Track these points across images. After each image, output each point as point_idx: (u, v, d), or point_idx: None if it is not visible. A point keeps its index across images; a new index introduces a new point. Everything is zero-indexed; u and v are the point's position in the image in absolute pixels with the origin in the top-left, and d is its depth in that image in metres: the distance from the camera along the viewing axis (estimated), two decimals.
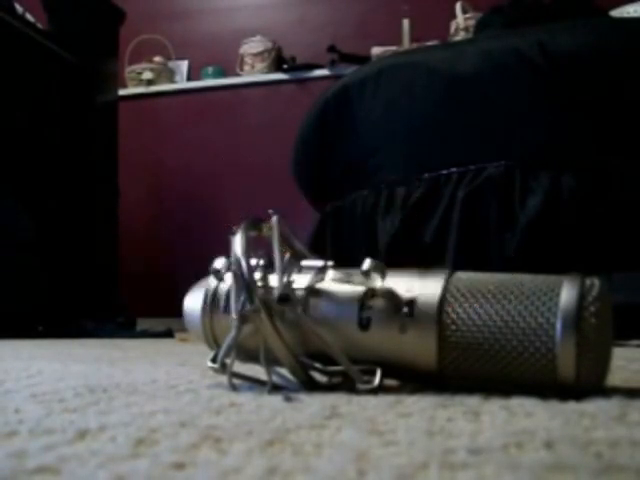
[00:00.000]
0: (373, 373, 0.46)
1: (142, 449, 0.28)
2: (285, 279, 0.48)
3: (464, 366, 0.44)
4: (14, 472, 0.24)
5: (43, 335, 1.65)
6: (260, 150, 2.90)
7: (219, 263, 0.52)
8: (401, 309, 0.45)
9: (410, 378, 0.47)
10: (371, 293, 0.46)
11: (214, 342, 0.53)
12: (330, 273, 0.49)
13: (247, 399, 0.43)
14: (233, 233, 0.49)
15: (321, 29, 3.05)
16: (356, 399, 0.42)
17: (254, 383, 0.49)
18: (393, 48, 2.73)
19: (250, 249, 0.49)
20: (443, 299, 0.44)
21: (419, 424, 0.33)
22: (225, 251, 0.50)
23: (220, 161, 2.98)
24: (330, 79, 2.69)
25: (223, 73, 3.10)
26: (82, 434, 0.31)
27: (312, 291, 0.49)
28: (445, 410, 0.37)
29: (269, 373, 0.46)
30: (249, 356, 0.48)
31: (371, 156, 1.38)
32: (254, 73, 3.02)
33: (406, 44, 2.80)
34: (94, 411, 0.39)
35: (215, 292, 0.53)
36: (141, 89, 3.09)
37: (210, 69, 3.09)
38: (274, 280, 0.48)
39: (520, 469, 0.24)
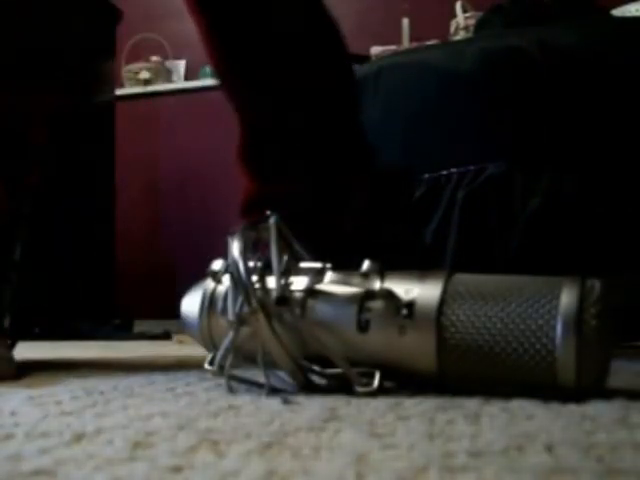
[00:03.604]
0: (372, 375, 0.45)
1: (139, 452, 0.28)
2: (283, 281, 0.48)
3: (464, 368, 0.44)
4: (10, 475, 0.24)
5: (39, 337, 1.65)
6: None
7: (217, 265, 0.52)
8: (400, 311, 0.45)
9: (409, 380, 0.47)
10: (370, 295, 0.46)
11: (212, 344, 0.52)
12: (329, 275, 0.49)
13: (245, 402, 0.43)
14: (231, 235, 0.49)
15: None
16: (355, 401, 0.42)
17: (252, 385, 0.49)
18: (393, 47, 2.72)
19: (248, 251, 0.48)
20: (442, 301, 0.44)
21: (419, 427, 0.33)
22: (223, 253, 0.49)
23: (218, 161, 2.97)
24: None
25: None
26: (79, 437, 0.31)
27: (310, 293, 0.48)
28: (445, 413, 0.37)
29: (267, 375, 0.46)
30: (247, 358, 0.48)
31: None
32: None
33: (406, 43, 2.80)
34: (91, 414, 0.39)
35: (213, 294, 0.52)
36: (138, 89, 3.09)
37: (208, 68, 3.09)
38: (272, 282, 0.47)
39: (521, 472, 0.24)
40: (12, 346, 0.71)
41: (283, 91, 0.81)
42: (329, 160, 0.81)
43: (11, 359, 0.67)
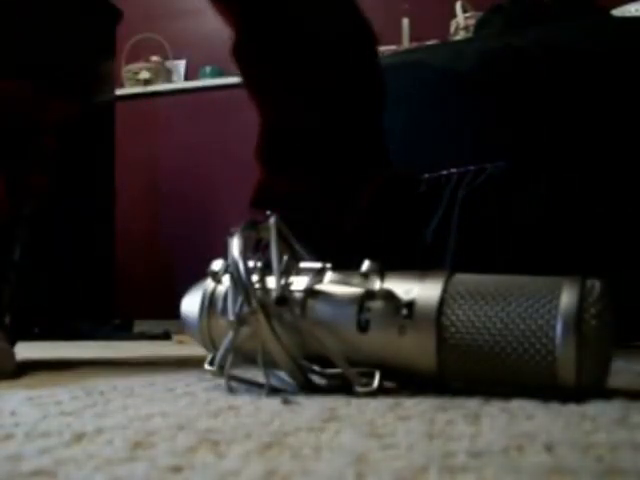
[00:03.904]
0: (372, 375, 0.45)
1: (139, 452, 0.28)
2: (283, 281, 0.48)
3: (464, 368, 0.44)
4: (10, 476, 0.24)
5: (39, 337, 1.65)
6: None
7: (217, 265, 0.52)
8: (400, 311, 0.45)
9: (409, 380, 0.47)
10: (370, 295, 0.46)
11: (212, 344, 0.52)
12: (329, 275, 0.49)
13: (245, 402, 0.43)
14: (231, 235, 0.49)
15: None
16: (355, 402, 0.42)
17: (252, 386, 0.49)
18: (393, 47, 2.72)
19: (248, 251, 0.48)
20: (442, 301, 0.44)
21: (419, 427, 0.33)
22: (224, 252, 0.49)
23: (218, 161, 2.97)
24: None
25: (221, 73, 3.10)
26: (79, 437, 0.31)
27: (310, 293, 0.48)
28: (445, 413, 0.37)
29: (267, 376, 0.46)
30: (247, 358, 0.48)
31: None
32: None
33: (406, 43, 2.80)
34: (91, 414, 0.39)
35: (213, 294, 0.52)
36: (138, 89, 3.09)
37: (208, 69, 3.09)
38: (272, 282, 0.47)
39: (520, 472, 0.24)
40: (12, 345, 0.71)
41: (307, 92, 0.81)
42: (339, 161, 0.81)
43: (12, 354, 0.67)
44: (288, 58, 0.81)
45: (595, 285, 0.42)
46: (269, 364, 0.46)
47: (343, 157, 0.81)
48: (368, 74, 0.85)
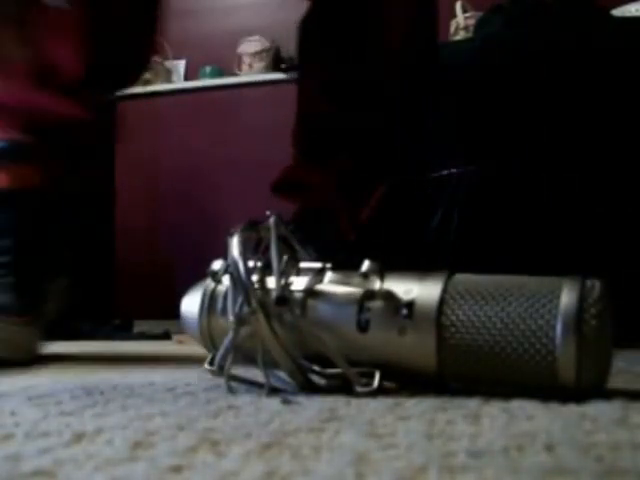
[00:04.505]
0: (372, 375, 0.45)
1: (139, 452, 0.28)
2: (283, 281, 0.48)
3: (464, 368, 0.44)
4: (10, 476, 0.24)
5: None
6: (258, 150, 2.89)
7: (217, 265, 0.52)
8: (400, 311, 0.45)
9: (409, 380, 0.47)
10: (370, 295, 0.46)
11: (212, 344, 0.52)
12: (329, 275, 0.49)
13: (245, 402, 0.43)
14: (231, 235, 0.49)
15: None
16: (355, 402, 0.42)
17: (252, 386, 0.49)
18: None
19: (248, 251, 0.48)
20: (442, 301, 0.44)
21: (418, 427, 0.33)
22: (224, 253, 0.49)
23: (218, 161, 2.97)
24: None
25: (221, 73, 3.10)
26: (78, 437, 0.31)
27: (310, 293, 0.48)
28: (445, 413, 0.37)
29: (267, 376, 0.46)
30: (247, 358, 0.48)
31: None
32: (252, 73, 3.02)
33: None
34: (91, 414, 0.39)
35: (213, 294, 0.52)
36: (138, 89, 3.08)
37: (208, 69, 3.09)
38: (272, 282, 0.47)
39: (520, 472, 0.24)
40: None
41: (345, 89, 0.81)
42: (351, 162, 0.82)
43: (30, 341, 0.65)
44: (342, 49, 0.81)
45: (595, 285, 0.42)
46: (269, 364, 0.46)
47: (355, 160, 0.81)
48: (415, 79, 0.85)
